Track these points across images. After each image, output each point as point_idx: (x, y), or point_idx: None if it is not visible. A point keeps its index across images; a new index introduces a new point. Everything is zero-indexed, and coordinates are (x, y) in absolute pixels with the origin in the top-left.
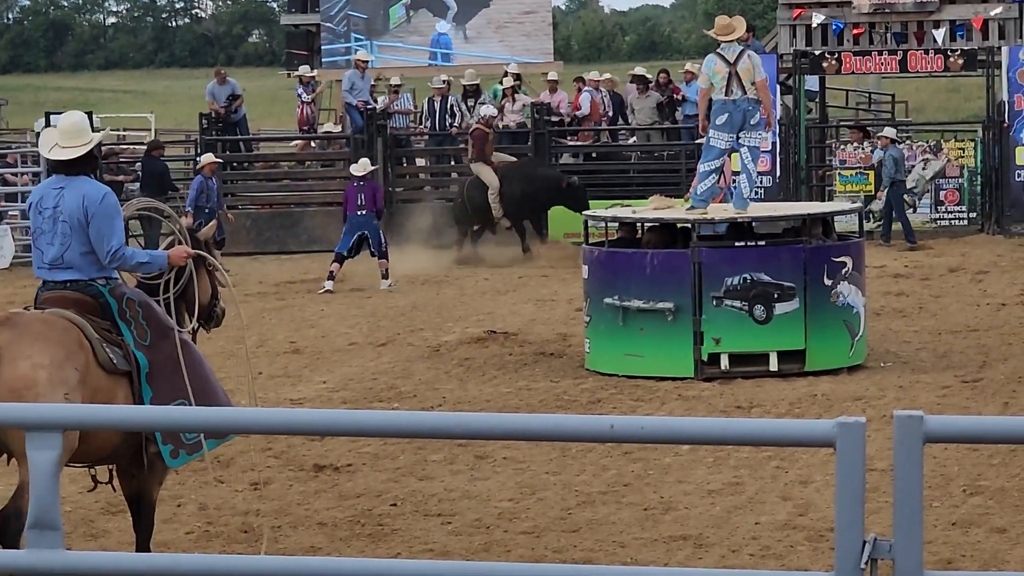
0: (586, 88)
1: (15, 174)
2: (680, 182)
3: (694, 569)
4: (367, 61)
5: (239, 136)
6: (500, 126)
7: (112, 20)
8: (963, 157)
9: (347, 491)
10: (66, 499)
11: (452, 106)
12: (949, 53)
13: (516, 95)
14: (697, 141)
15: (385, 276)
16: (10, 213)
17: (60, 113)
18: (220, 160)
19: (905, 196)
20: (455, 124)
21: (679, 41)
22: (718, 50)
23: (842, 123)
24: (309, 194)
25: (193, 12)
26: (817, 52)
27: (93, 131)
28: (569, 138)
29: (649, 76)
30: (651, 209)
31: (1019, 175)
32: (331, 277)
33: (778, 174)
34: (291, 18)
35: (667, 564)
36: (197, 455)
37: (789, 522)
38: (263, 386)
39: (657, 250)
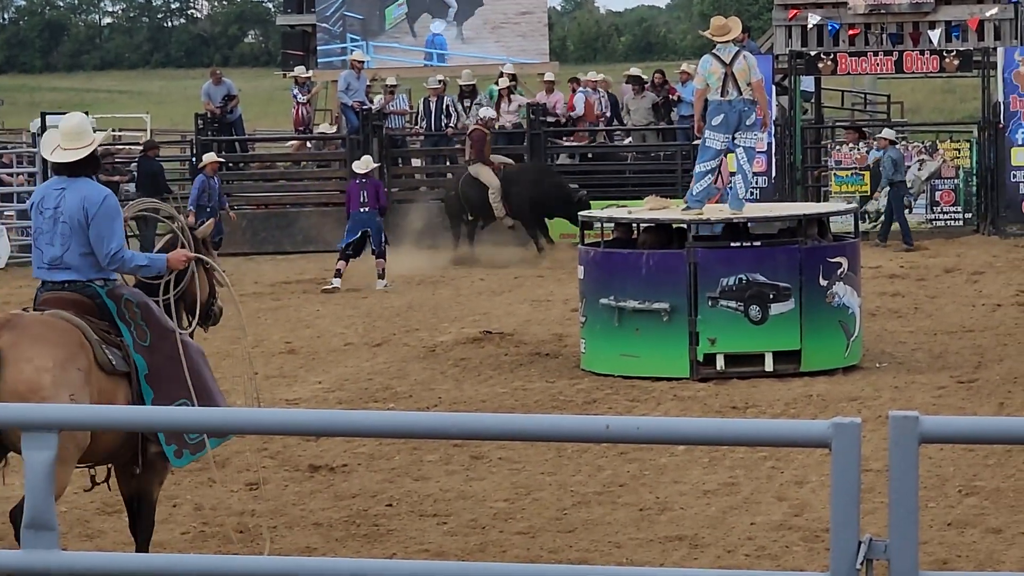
0: (581, 88)
1: (11, 174)
2: (676, 183)
3: (690, 570)
4: (363, 62)
5: (235, 136)
6: (496, 127)
7: (108, 20)
8: (959, 158)
9: (343, 491)
10: (62, 499)
11: (448, 106)
12: (945, 54)
13: (512, 95)
14: (693, 142)
15: (381, 276)
16: (6, 213)
17: (56, 113)
18: (222, 159)
19: (904, 197)
20: (451, 124)
21: (675, 42)
22: (714, 51)
23: (838, 124)
24: (305, 194)
25: (189, 12)
26: (813, 53)
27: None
28: (565, 139)
29: (645, 77)
30: (647, 209)
31: (1014, 176)
32: (338, 275)
33: (774, 175)
34: (287, 18)
35: (663, 564)
36: (201, 454)
37: (785, 523)
38: (259, 386)
39: (653, 251)
